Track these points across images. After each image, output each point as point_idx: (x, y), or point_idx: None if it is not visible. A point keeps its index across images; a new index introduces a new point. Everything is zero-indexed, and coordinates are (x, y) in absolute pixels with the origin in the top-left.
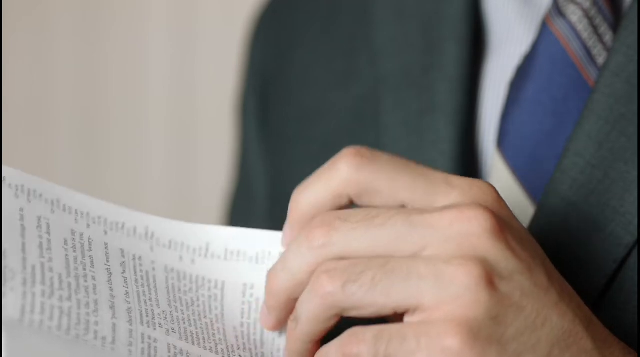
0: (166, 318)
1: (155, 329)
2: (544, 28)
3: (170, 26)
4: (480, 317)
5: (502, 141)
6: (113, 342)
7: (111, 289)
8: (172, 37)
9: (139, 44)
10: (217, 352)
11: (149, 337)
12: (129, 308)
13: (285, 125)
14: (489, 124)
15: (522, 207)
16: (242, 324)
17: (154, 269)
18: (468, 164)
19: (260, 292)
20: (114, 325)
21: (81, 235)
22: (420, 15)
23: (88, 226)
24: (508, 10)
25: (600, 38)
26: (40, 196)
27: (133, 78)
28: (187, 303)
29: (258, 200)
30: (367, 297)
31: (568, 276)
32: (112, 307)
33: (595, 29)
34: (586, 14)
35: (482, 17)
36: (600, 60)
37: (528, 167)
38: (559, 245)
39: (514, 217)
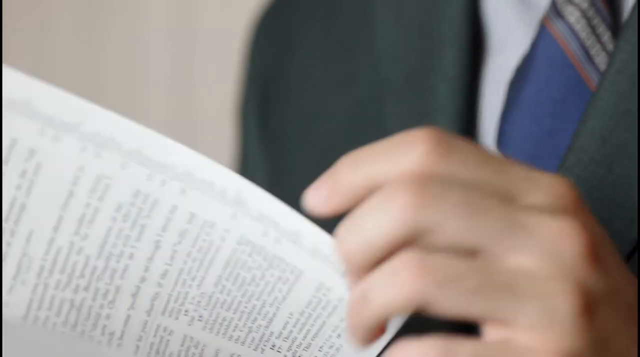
0: (199, 302)
1: (177, 317)
2: (542, 29)
3: (171, 26)
4: (585, 346)
5: (502, 142)
6: (121, 337)
7: (146, 269)
8: (172, 37)
9: (139, 44)
10: (243, 343)
11: (164, 329)
12: (157, 293)
13: (285, 128)
14: (489, 125)
15: None
16: (302, 313)
17: (223, 239)
18: None
19: (334, 296)
20: (128, 317)
21: (146, 197)
22: (420, 17)
23: (163, 183)
24: (506, 12)
25: (598, 38)
26: (117, 145)
27: (133, 78)
28: (242, 281)
29: None
30: (460, 302)
31: None
32: (135, 294)
33: (593, 29)
34: (584, 14)
35: (481, 19)
36: (599, 60)
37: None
38: None
39: (593, 219)
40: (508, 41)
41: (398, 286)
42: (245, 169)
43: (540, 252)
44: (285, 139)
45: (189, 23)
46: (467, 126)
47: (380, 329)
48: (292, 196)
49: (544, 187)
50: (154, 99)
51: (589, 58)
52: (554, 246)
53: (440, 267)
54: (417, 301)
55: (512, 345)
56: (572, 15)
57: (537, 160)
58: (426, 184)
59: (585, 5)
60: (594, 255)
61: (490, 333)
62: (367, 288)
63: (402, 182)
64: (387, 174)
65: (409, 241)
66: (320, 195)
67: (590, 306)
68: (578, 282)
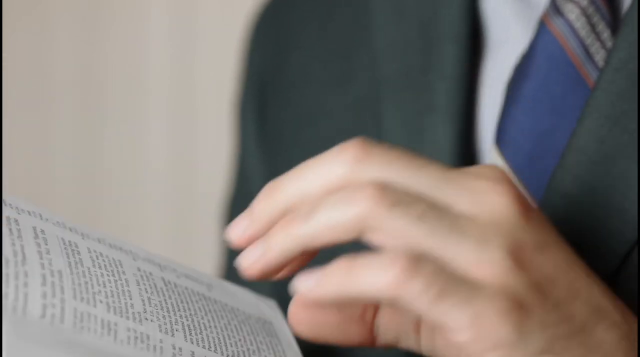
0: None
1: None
2: (542, 27)
3: (171, 26)
4: (522, 285)
5: (501, 140)
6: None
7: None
8: (172, 37)
9: (139, 43)
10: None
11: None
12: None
13: (283, 127)
14: (488, 123)
15: None
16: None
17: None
18: (467, 163)
19: None
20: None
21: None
22: (418, 16)
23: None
24: (505, 9)
25: (597, 36)
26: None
27: (133, 78)
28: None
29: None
30: (408, 228)
31: None
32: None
33: (592, 27)
34: (584, 12)
35: (480, 17)
36: (598, 58)
37: (527, 165)
38: None
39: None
40: (507, 39)
41: (351, 205)
42: (243, 168)
43: (475, 203)
44: (283, 138)
45: (189, 23)
46: (466, 124)
47: (308, 256)
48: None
49: (472, 171)
50: (154, 99)
51: (589, 56)
52: (486, 199)
53: (394, 193)
54: (367, 221)
55: (457, 274)
56: (572, 12)
57: (536, 157)
58: (367, 146)
59: (584, 2)
60: (524, 210)
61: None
62: (314, 205)
63: (347, 146)
64: (311, 187)
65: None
66: (238, 228)
67: (525, 250)
68: (509, 230)
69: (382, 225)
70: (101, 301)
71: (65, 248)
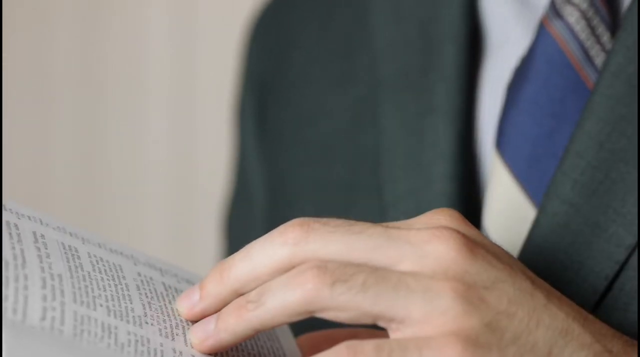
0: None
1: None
2: (542, 29)
3: (171, 24)
4: (475, 325)
5: (501, 142)
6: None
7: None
8: (172, 37)
9: (139, 44)
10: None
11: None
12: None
13: (283, 128)
14: (488, 126)
15: (522, 209)
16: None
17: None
18: (467, 165)
19: None
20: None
21: None
22: (418, 17)
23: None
24: (505, 11)
25: (597, 39)
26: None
27: (133, 79)
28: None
29: (256, 204)
30: (353, 301)
31: (569, 278)
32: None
33: (592, 30)
34: (584, 15)
35: (480, 19)
36: (598, 61)
37: (527, 168)
38: (560, 246)
39: (484, 236)
40: (507, 41)
41: (295, 289)
42: (243, 168)
43: (419, 256)
44: (282, 138)
45: (190, 22)
46: (466, 126)
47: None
48: (289, 196)
49: (415, 222)
50: (154, 99)
51: (589, 59)
52: (431, 246)
53: (334, 269)
54: (314, 301)
55: (412, 337)
56: (572, 15)
57: (536, 161)
58: (306, 221)
59: (584, 5)
60: (474, 251)
61: (392, 330)
62: (257, 295)
63: (289, 225)
64: (258, 268)
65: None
66: (188, 302)
67: (475, 290)
68: (457, 273)
69: (328, 304)
70: (101, 305)
71: (65, 252)
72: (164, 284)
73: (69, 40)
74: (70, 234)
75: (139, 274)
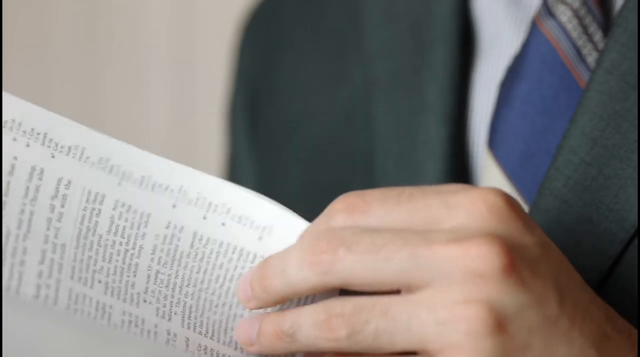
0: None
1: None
2: (534, 28)
3: (170, 26)
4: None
5: (493, 141)
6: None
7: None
8: (172, 37)
9: (139, 44)
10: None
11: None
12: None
13: (274, 129)
14: (480, 125)
15: None
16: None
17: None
18: (459, 164)
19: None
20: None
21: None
22: (410, 17)
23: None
24: (497, 11)
25: (589, 37)
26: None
27: (133, 79)
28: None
29: None
30: (372, 347)
31: None
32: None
33: (584, 28)
34: (576, 13)
35: (472, 18)
36: (590, 59)
37: (519, 166)
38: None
39: (529, 226)
40: (499, 41)
41: (319, 336)
42: (234, 169)
43: (446, 279)
44: (274, 139)
45: (189, 23)
46: (458, 125)
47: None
48: (281, 196)
49: (463, 209)
50: (155, 99)
51: (581, 57)
52: (460, 268)
53: (348, 318)
54: (338, 347)
55: None
56: (564, 14)
57: (528, 158)
58: (335, 247)
59: (576, 4)
60: (510, 272)
61: None
62: (291, 329)
63: (318, 239)
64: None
65: (330, 286)
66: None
67: (496, 321)
68: (482, 299)
69: (352, 350)
70: (100, 281)
71: (84, 209)
72: (195, 234)
73: (69, 41)
74: (110, 170)
75: (169, 224)
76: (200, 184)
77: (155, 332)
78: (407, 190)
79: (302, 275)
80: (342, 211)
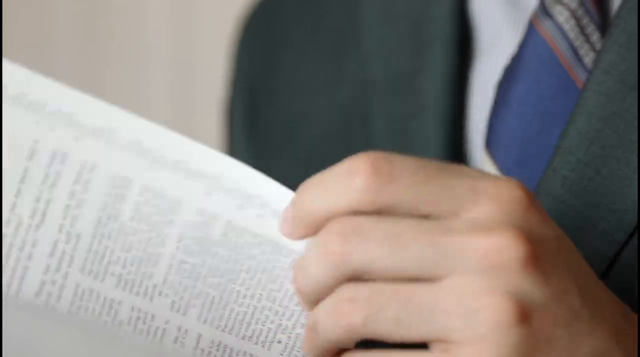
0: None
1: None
2: (531, 29)
3: (170, 24)
4: (518, 355)
5: (491, 142)
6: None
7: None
8: (172, 37)
9: (139, 44)
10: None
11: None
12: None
13: (273, 129)
14: (477, 126)
15: None
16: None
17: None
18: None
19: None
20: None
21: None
22: (408, 18)
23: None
24: (495, 12)
25: (587, 38)
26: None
27: (133, 79)
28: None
29: None
30: (390, 332)
31: None
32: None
33: (582, 29)
34: (573, 14)
35: (470, 20)
36: (588, 60)
37: (516, 167)
38: None
39: (546, 220)
40: (496, 42)
41: (335, 324)
42: None
43: (469, 269)
44: (272, 140)
45: (189, 23)
46: (456, 127)
47: (333, 352)
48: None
49: (488, 197)
50: (155, 99)
51: (578, 58)
52: (483, 259)
53: (366, 301)
54: (354, 333)
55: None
56: (561, 14)
57: (526, 159)
58: (352, 228)
59: (574, 5)
60: (532, 265)
61: (433, 349)
62: (313, 322)
63: (330, 230)
64: (332, 205)
65: (350, 278)
66: (288, 226)
67: (521, 313)
68: (507, 291)
69: (369, 335)
70: (113, 274)
71: (107, 195)
72: (229, 224)
73: (69, 41)
74: (145, 154)
75: (201, 212)
76: (238, 173)
77: (164, 330)
78: (436, 165)
79: (321, 269)
80: (366, 172)
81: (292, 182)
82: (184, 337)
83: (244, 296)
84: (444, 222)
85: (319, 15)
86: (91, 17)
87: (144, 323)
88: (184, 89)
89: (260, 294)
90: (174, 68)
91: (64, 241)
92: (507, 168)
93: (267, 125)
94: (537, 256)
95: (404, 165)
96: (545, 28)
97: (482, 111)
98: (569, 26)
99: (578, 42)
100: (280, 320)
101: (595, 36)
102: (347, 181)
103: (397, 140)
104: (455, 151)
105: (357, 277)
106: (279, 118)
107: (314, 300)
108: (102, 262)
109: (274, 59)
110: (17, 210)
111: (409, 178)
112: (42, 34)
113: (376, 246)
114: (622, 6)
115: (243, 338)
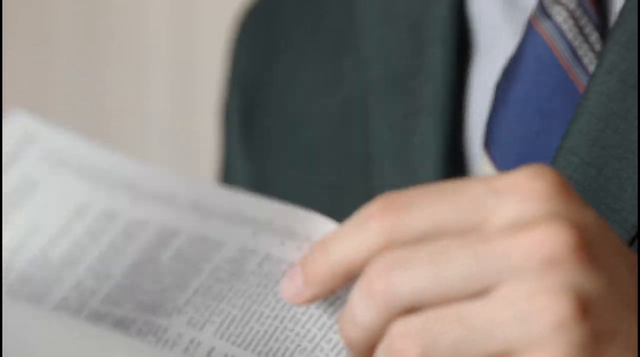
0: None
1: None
2: (530, 29)
3: (170, 24)
4: (584, 347)
5: (489, 142)
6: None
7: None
8: (171, 36)
9: (139, 44)
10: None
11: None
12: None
13: (270, 130)
14: (476, 126)
15: None
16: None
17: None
18: (455, 166)
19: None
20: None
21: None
22: (407, 18)
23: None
24: (494, 13)
25: (585, 38)
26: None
27: (133, 77)
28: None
29: None
30: (453, 355)
31: None
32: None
33: (580, 29)
34: (571, 14)
35: (469, 20)
36: (586, 60)
37: (515, 167)
38: None
39: (582, 202)
40: (495, 42)
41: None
42: (228, 172)
43: (519, 272)
44: (269, 140)
45: (189, 23)
46: (454, 127)
47: None
48: (276, 197)
49: (512, 193)
50: (155, 99)
51: (577, 58)
52: (532, 257)
53: (419, 332)
54: None
55: None
56: (560, 15)
57: (524, 160)
58: (390, 261)
59: (572, 5)
60: (584, 251)
61: None
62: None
63: (367, 273)
64: (355, 256)
65: (398, 312)
66: (294, 286)
67: (581, 308)
68: (563, 286)
69: None
70: (133, 301)
71: (150, 243)
72: (266, 256)
73: (69, 42)
74: (197, 209)
75: (240, 250)
76: (288, 216)
77: (175, 342)
78: (447, 184)
79: (369, 313)
80: (379, 214)
81: (288, 181)
82: (195, 349)
83: (267, 317)
84: (478, 232)
85: (318, 15)
86: (91, 17)
87: (154, 335)
88: (184, 89)
89: (284, 316)
90: (174, 68)
91: (91, 278)
92: (505, 168)
93: (264, 125)
94: (586, 243)
95: (412, 195)
96: (544, 28)
97: (480, 111)
98: (568, 26)
99: (577, 42)
100: (301, 341)
101: (594, 36)
102: (362, 229)
103: (396, 141)
104: (453, 151)
105: (406, 313)
106: (276, 118)
107: (366, 349)
108: (126, 293)
109: (273, 58)
110: (47, 253)
111: (422, 203)
112: (42, 34)
113: (419, 272)
114: (624, 6)
115: (259, 354)
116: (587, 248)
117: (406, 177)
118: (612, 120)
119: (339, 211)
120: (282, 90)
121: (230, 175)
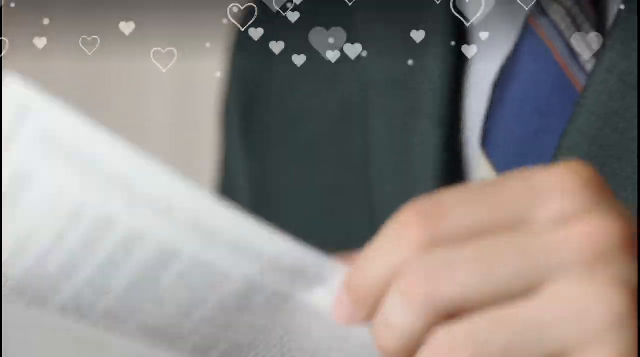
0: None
1: None
2: (527, 27)
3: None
4: (634, 352)
5: (487, 141)
6: None
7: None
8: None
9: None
10: None
11: None
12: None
13: (270, 128)
14: (474, 124)
15: None
16: None
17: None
18: (454, 165)
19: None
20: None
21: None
22: (404, 18)
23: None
24: (491, 12)
25: (583, 37)
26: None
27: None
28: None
29: (240, 204)
30: None
31: None
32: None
33: (577, 27)
34: (568, 12)
35: (466, 19)
36: (584, 59)
37: (513, 166)
38: None
39: (613, 193)
40: (493, 41)
41: None
42: (228, 169)
43: (566, 270)
44: (269, 138)
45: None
46: (452, 127)
47: None
48: (274, 197)
49: (550, 190)
50: (155, 99)
51: (574, 56)
52: (582, 251)
53: (466, 340)
54: None
55: None
56: (557, 13)
57: (522, 159)
58: (431, 262)
59: (569, 3)
60: (630, 243)
61: None
62: None
63: (406, 274)
64: (393, 268)
65: (441, 316)
66: (345, 309)
67: (633, 301)
68: (614, 280)
69: None
70: (131, 326)
71: (149, 262)
72: (275, 293)
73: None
74: (199, 229)
75: (247, 283)
76: (298, 255)
77: None
78: (483, 183)
79: (408, 318)
80: (414, 222)
81: (287, 180)
82: None
83: (274, 346)
84: (522, 230)
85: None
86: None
87: None
88: (184, 89)
89: (290, 345)
90: (174, 68)
91: (90, 293)
92: (503, 168)
93: (263, 123)
94: (631, 233)
95: (448, 197)
96: (542, 27)
97: (478, 110)
98: (565, 25)
99: (574, 41)
100: None
101: (591, 35)
102: (400, 239)
103: (394, 141)
104: (452, 151)
105: (447, 318)
106: (276, 116)
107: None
108: (126, 311)
109: (272, 57)
110: (49, 266)
111: (460, 205)
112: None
113: (463, 273)
114: (624, 5)
115: None
116: (631, 240)
117: (405, 177)
118: (612, 119)
119: (338, 208)
120: (282, 85)
121: (230, 171)
